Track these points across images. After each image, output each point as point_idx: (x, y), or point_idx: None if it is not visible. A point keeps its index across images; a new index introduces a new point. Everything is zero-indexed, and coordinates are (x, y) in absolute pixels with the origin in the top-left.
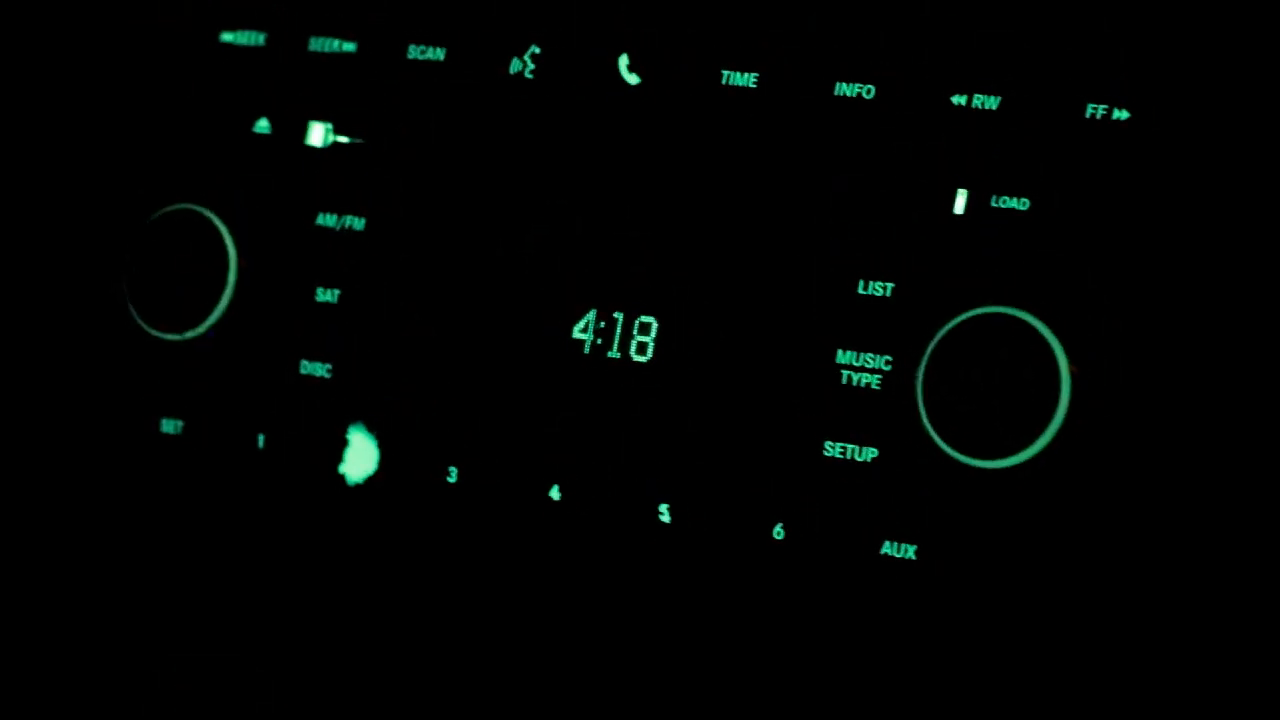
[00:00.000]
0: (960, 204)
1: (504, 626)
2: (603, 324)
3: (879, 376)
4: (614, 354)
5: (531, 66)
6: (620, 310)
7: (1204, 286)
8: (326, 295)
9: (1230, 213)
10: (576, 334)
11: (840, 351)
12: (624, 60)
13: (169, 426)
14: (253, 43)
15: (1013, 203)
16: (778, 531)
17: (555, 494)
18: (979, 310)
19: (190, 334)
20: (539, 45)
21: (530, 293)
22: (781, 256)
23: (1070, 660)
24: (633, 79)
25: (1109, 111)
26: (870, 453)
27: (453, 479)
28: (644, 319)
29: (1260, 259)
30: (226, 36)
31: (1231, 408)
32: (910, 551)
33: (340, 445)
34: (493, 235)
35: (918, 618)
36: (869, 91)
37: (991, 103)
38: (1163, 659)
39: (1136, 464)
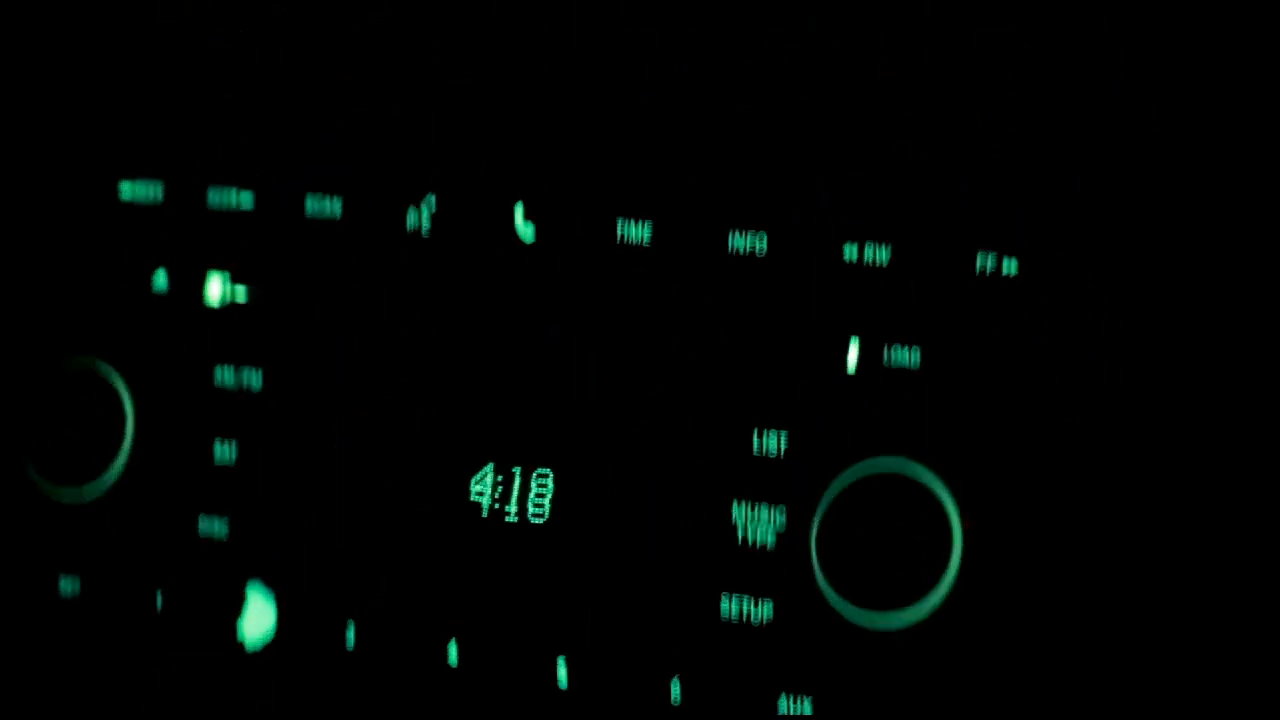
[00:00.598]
0: (853, 357)
1: None
2: (500, 479)
3: (774, 531)
4: (511, 512)
5: (428, 219)
6: (518, 465)
7: (1094, 437)
8: (224, 452)
9: (1118, 365)
10: (474, 492)
11: (735, 506)
12: (519, 211)
13: (67, 585)
14: (150, 195)
15: (905, 355)
16: (675, 689)
17: (453, 655)
18: (871, 464)
19: (88, 491)
20: (436, 197)
21: (428, 449)
22: (676, 411)
23: None
24: (528, 233)
25: (999, 263)
26: (766, 608)
27: (351, 639)
28: (541, 474)
29: (1146, 411)
30: (124, 188)
31: (1120, 566)
32: (806, 706)
33: (238, 604)
34: (390, 391)
35: None
36: (761, 242)
37: (883, 255)
38: None
39: (1030, 619)
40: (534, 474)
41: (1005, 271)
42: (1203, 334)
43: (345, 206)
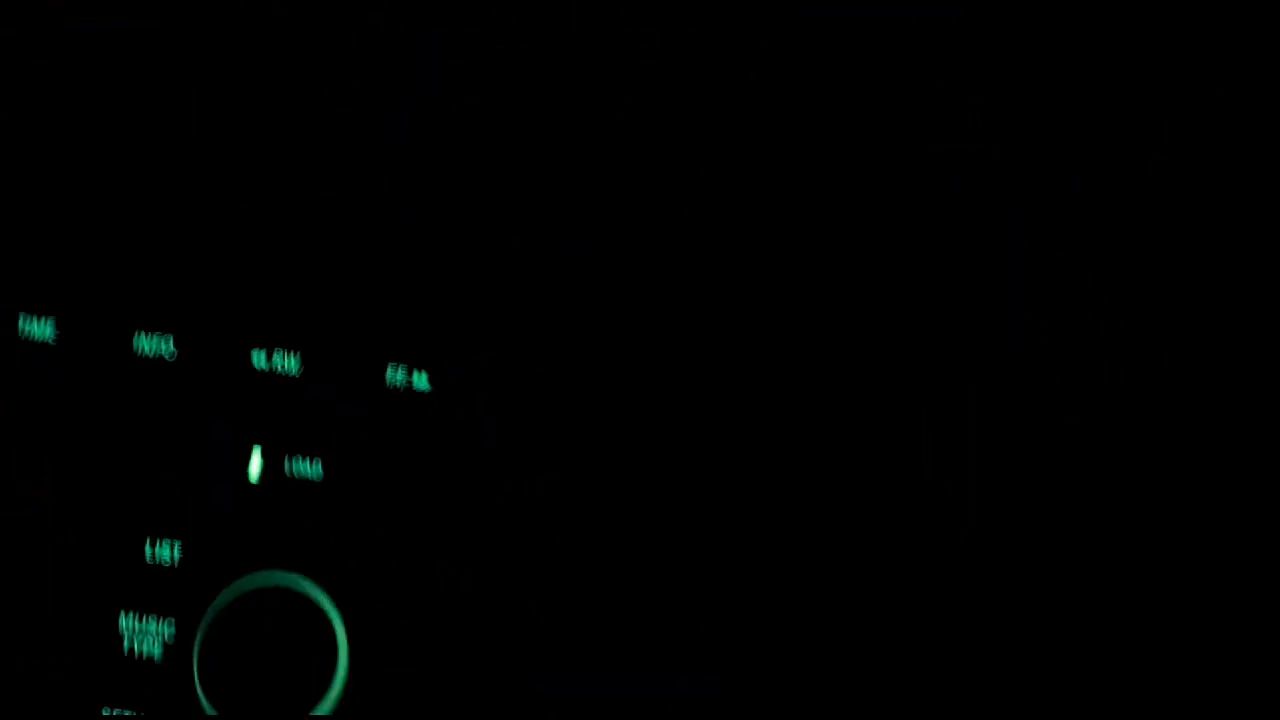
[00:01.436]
0: (255, 467)
1: None
2: None
3: (161, 643)
4: None
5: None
6: None
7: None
8: None
9: (522, 481)
10: None
11: (123, 616)
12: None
13: None
14: None
15: (306, 468)
16: None
17: None
18: (259, 577)
19: None
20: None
21: None
22: (70, 516)
23: None
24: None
25: (409, 378)
26: None
27: None
28: None
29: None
30: None
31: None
32: None
33: None
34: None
35: None
36: (169, 344)
37: (291, 363)
38: None
39: None
40: None
41: (416, 386)
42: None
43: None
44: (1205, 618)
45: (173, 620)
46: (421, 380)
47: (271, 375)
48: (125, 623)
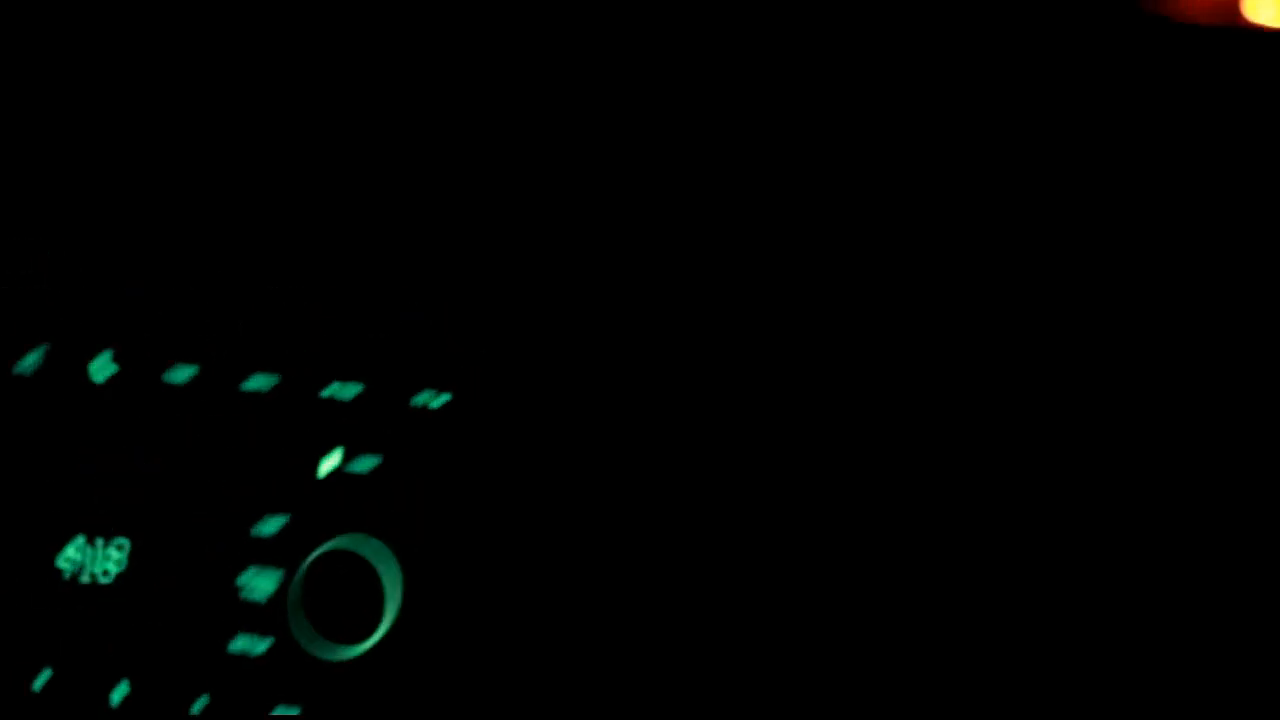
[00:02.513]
0: (328, 465)
1: None
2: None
3: (264, 595)
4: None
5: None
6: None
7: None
8: None
9: None
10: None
11: (241, 574)
12: None
13: None
14: None
15: (362, 464)
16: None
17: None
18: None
19: None
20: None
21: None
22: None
23: None
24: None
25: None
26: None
27: None
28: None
29: None
30: None
31: None
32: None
33: None
34: None
35: None
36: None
37: (351, 391)
38: None
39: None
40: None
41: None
42: None
43: None
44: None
45: (279, 573)
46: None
47: (334, 402)
48: (242, 579)
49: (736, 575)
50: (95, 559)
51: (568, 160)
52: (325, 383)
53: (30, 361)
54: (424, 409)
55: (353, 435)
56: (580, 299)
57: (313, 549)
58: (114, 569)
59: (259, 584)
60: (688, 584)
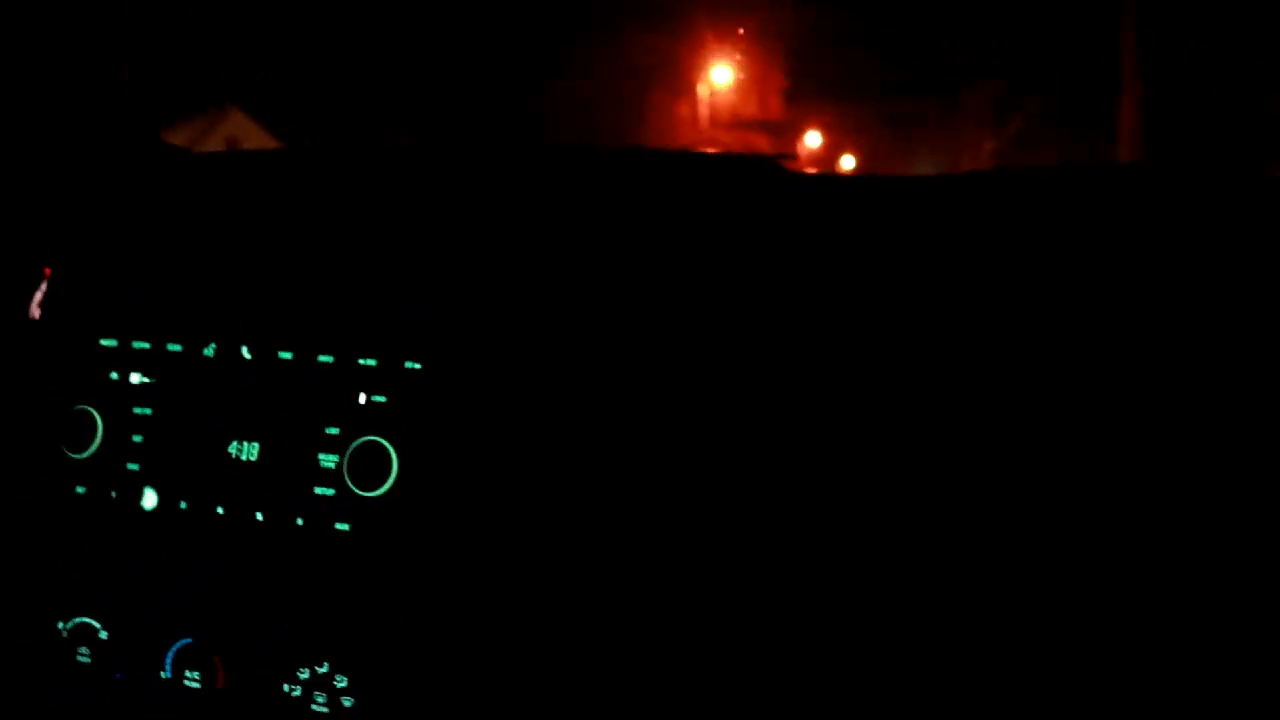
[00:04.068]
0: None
1: None
2: None
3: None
4: None
5: None
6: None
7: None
8: None
9: None
10: None
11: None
12: None
13: None
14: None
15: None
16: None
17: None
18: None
19: None
20: None
21: None
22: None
23: None
24: None
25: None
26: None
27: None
28: None
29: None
30: None
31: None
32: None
33: None
34: None
35: None
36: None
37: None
38: None
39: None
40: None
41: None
42: None
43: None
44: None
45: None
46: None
47: (365, 367)
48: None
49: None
50: (243, 449)
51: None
52: (360, 357)
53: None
54: (411, 370)
55: (372, 384)
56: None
57: (354, 442)
58: (254, 457)
59: (326, 459)
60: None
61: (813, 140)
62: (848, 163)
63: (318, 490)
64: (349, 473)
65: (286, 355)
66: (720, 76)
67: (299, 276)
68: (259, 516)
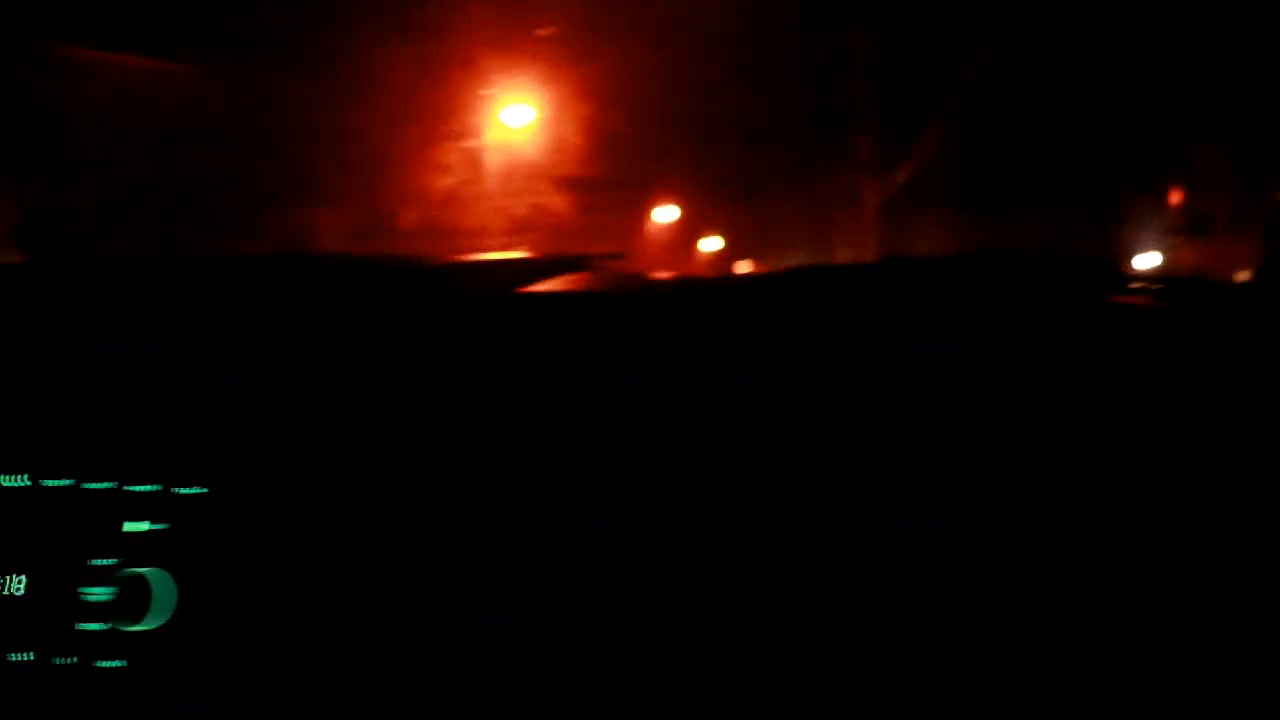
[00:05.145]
0: None
1: None
2: None
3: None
4: None
5: None
6: None
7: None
8: None
9: None
10: None
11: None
12: None
13: None
14: None
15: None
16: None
17: None
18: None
19: None
20: None
21: None
22: None
23: None
24: None
25: None
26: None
27: None
28: None
29: None
30: None
31: None
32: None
33: None
34: None
35: None
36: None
37: None
38: None
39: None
40: None
41: None
42: None
43: None
44: None
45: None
46: None
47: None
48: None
49: None
50: (6, 585)
51: None
52: (134, 483)
53: None
54: (189, 495)
55: (148, 511)
56: None
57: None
58: (21, 590)
59: (96, 593)
60: None
61: (666, 215)
62: (710, 244)
63: (85, 626)
64: (120, 606)
65: (53, 483)
66: (516, 117)
67: (64, 399)
68: (29, 656)
